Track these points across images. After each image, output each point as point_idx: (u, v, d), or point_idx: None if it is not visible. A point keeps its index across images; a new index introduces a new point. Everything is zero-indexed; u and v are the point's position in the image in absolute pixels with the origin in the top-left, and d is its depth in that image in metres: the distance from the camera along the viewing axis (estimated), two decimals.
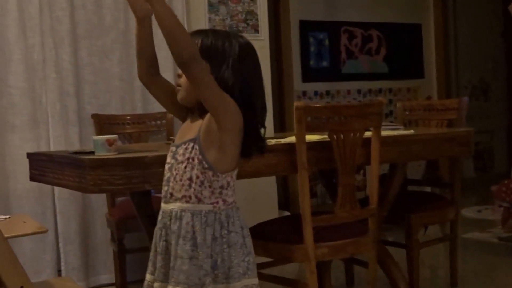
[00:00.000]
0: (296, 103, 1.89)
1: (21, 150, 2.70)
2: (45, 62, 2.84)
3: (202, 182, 1.34)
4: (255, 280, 1.39)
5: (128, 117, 2.96)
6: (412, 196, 2.74)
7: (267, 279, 2.11)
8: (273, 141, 2.01)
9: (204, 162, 1.33)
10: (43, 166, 1.99)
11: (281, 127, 4.10)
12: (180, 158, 1.36)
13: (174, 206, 1.36)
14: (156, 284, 1.39)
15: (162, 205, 1.40)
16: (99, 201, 2.91)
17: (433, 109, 2.79)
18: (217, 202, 1.35)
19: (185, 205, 1.34)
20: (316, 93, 4.52)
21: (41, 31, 2.82)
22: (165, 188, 1.39)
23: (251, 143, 1.38)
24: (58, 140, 2.84)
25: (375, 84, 4.77)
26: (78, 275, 2.86)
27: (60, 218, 2.84)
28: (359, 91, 4.69)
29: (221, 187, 1.36)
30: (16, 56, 2.79)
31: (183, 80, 1.36)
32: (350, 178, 1.98)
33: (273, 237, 2.00)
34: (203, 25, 3.32)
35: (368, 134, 2.02)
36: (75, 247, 2.87)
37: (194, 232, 1.33)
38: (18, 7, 2.78)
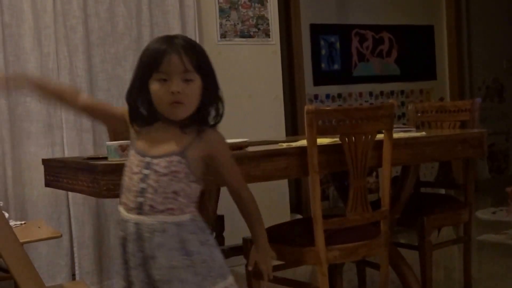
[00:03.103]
0: (306, 107, 1.90)
1: (36, 156, 2.75)
2: (59, 69, 2.89)
3: (188, 195, 1.36)
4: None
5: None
6: (425, 198, 2.73)
7: (279, 282, 2.12)
8: (285, 145, 2.02)
9: (191, 176, 1.36)
10: (58, 172, 2.02)
11: (293, 131, 4.11)
12: (163, 170, 1.34)
13: (156, 218, 1.34)
14: None
15: (134, 216, 1.34)
16: (113, 205, 2.94)
17: (445, 111, 2.78)
18: (194, 210, 1.39)
19: (169, 217, 1.34)
20: (328, 96, 4.52)
21: (55, 39, 2.87)
22: (138, 200, 1.34)
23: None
24: (72, 146, 2.88)
25: (387, 87, 4.76)
26: (92, 279, 2.89)
27: (75, 223, 2.88)
28: (371, 94, 4.68)
29: (197, 196, 1.40)
30: (32, 64, 2.84)
31: (187, 97, 1.35)
32: (362, 181, 1.98)
33: (285, 240, 2.01)
34: (214, 30, 3.35)
35: (380, 136, 2.02)
36: (89, 252, 2.90)
37: (183, 242, 1.34)
38: (33, 16, 2.83)
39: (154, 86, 1.35)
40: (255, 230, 1.55)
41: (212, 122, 1.41)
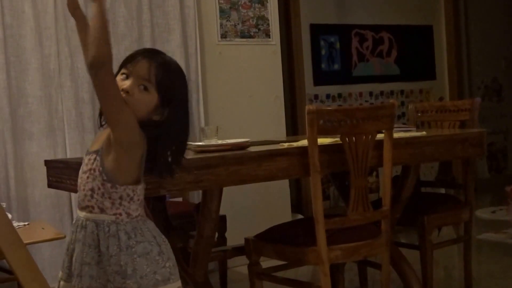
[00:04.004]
0: (307, 107, 1.91)
1: (39, 157, 2.76)
2: (60, 70, 2.90)
3: (103, 194, 1.35)
4: (178, 283, 1.40)
5: None
6: (425, 197, 2.74)
7: (281, 282, 2.13)
8: (286, 145, 2.03)
9: (103, 174, 1.34)
10: (60, 173, 2.03)
11: (294, 131, 4.12)
12: (85, 168, 1.38)
13: (81, 214, 1.38)
14: (61, 283, 1.43)
15: (79, 211, 1.40)
16: None
17: (445, 110, 2.78)
18: (120, 214, 1.36)
19: (89, 215, 1.37)
20: (328, 96, 4.53)
21: (56, 40, 2.88)
22: (81, 197, 1.39)
23: (161, 166, 1.40)
24: (74, 147, 2.89)
25: (387, 86, 4.77)
26: None
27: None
28: (370, 94, 4.70)
29: (120, 198, 1.35)
30: (33, 65, 2.84)
31: (132, 99, 1.34)
32: (363, 180, 1.99)
33: (286, 240, 2.02)
34: (215, 31, 3.36)
35: (380, 136, 2.03)
36: None
37: (98, 241, 1.35)
38: (34, 17, 2.84)
39: (116, 78, 1.37)
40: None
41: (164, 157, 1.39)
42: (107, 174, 1.34)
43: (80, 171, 1.40)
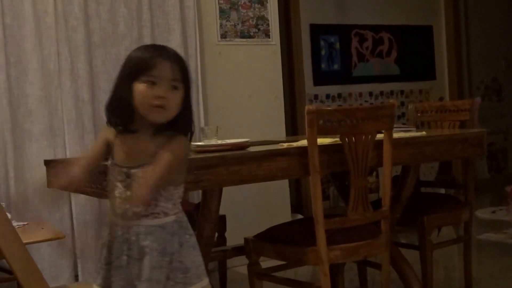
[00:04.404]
0: (307, 107, 1.91)
1: (39, 157, 2.76)
2: (60, 71, 2.90)
3: (166, 198, 1.42)
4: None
5: None
6: (425, 197, 2.74)
7: (281, 282, 2.13)
8: (285, 145, 2.03)
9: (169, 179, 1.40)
10: (60, 173, 2.03)
11: (293, 131, 4.12)
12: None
13: (141, 222, 1.40)
14: None
15: (121, 221, 1.41)
16: None
17: (445, 111, 2.78)
18: (178, 212, 1.45)
19: (155, 221, 1.41)
20: (327, 96, 4.53)
21: (57, 40, 2.88)
22: (124, 206, 1.41)
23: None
24: (74, 147, 2.89)
25: (387, 87, 4.78)
26: (94, 279, 2.89)
27: (77, 224, 2.89)
28: (370, 94, 4.70)
29: (179, 197, 1.45)
30: (33, 66, 2.84)
31: (169, 103, 1.39)
32: (363, 181, 1.99)
33: (286, 240, 2.02)
34: (215, 31, 3.36)
35: (380, 136, 2.03)
36: (92, 252, 2.91)
37: (165, 243, 1.40)
38: (34, 17, 2.84)
39: (141, 87, 1.38)
40: None
41: (184, 131, 1.45)
42: (169, 179, 1.40)
43: (123, 183, 1.40)
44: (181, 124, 1.43)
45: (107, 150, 1.48)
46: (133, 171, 1.40)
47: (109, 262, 1.44)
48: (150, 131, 1.41)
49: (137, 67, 1.39)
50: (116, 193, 1.42)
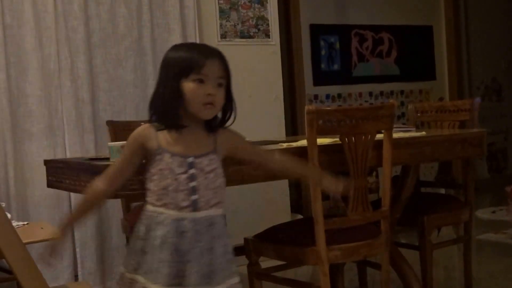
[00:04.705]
0: (307, 107, 1.91)
1: (38, 157, 2.76)
2: (60, 70, 2.90)
3: (224, 187, 1.50)
4: None
5: (142, 123, 2.99)
6: (425, 197, 2.74)
7: (281, 282, 2.13)
8: (285, 145, 2.03)
9: (223, 171, 1.50)
10: (60, 173, 2.03)
11: (293, 131, 4.12)
12: (207, 168, 1.47)
13: (209, 212, 1.46)
14: None
15: (189, 213, 1.44)
16: (115, 206, 2.95)
17: (445, 111, 2.78)
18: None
19: (219, 210, 1.48)
20: (327, 96, 4.53)
21: (56, 40, 2.88)
22: (192, 198, 1.44)
23: None
24: (74, 147, 2.89)
25: (387, 87, 4.77)
26: (94, 279, 2.90)
27: (77, 224, 2.89)
28: (370, 94, 4.70)
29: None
30: (33, 66, 2.85)
31: (218, 99, 1.46)
32: (362, 181, 1.99)
33: (285, 240, 2.02)
34: (214, 31, 3.36)
35: (380, 136, 2.03)
36: (91, 252, 2.91)
37: (226, 231, 1.49)
38: (34, 17, 2.84)
39: (191, 86, 1.44)
40: (308, 169, 1.78)
41: (229, 121, 1.55)
42: (223, 171, 1.50)
43: (186, 174, 1.43)
44: (228, 116, 1.52)
45: (141, 156, 1.50)
46: (198, 160, 1.45)
47: (175, 258, 1.43)
48: (200, 125, 1.49)
49: (186, 66, 1.44)
50: (179, 186, 1.43)
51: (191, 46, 1.53)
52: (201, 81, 1.44)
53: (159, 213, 1.45)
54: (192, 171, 1.44)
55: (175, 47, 1.52)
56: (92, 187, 1.52)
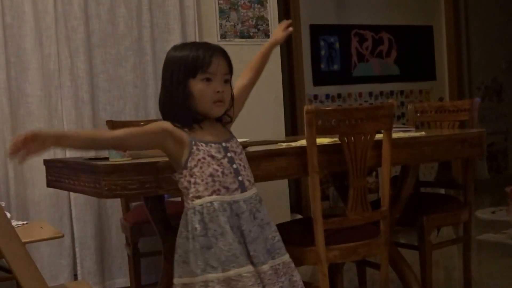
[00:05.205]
0: (306, 107, 1.91)
1: (38, 157, 2.75)
2: (60, 70, 2.90)
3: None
4: None
5: (142, 123, 3.00)
6: (425, 197, 2.74)
7: None
8: (284, 145, 2.04)
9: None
10: (59, 173, 2.03)
11: (293, 131, 4.12)
12: (237, 150, 1.53)
13: (254, 190, 1.52)
14: (265, 267, 1.47)
15: (239, 195, 1.47)
16: (114, 206, 2.95)
17: (444, 111, 2.78)
18: None
19: (255, 189, 1.54)
20: (327, 96, 4.53)
21: (56, 40, 2.88)
22: (239, 179, 1.49)
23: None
24: None
25: (387, 87, 4.77)
26: (94, 279, 2.90)
27: (76, 223, 2.89)
28: (370, 94, 4.70)
29: None
30: (33, 66, 2.85)
31: (226, 95, 1.50)
32: (362, 181, 1.99)
33: (285, 240, 2.01)
34: (214, 31, 3.36)
35: (379, 136, 2.03)
36: (91, 252, 2.92)
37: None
38: (34, 17, 2.84)
39: (199, 85, 1.46)
40: (263, 47, 1.88)
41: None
42: None
43: (226, 158, 1.48)
44: (230, 109, 1.55)
45: (161, 140, 1.49)
46: (228, 144, 1.50)
47: (243, 241, 1.45)
48: (212, 119, 1.53)
49: (192, 66, 1.45)
50: (224, 170, 1.46)
51: (193, 45, 1.51)
52: (208, 79, 1.46)
53: (212, 202, 1.44)
54: (229, 154, 1.49)
55: (177, 48, 1.51)
56: (108, 129, 1.58)
